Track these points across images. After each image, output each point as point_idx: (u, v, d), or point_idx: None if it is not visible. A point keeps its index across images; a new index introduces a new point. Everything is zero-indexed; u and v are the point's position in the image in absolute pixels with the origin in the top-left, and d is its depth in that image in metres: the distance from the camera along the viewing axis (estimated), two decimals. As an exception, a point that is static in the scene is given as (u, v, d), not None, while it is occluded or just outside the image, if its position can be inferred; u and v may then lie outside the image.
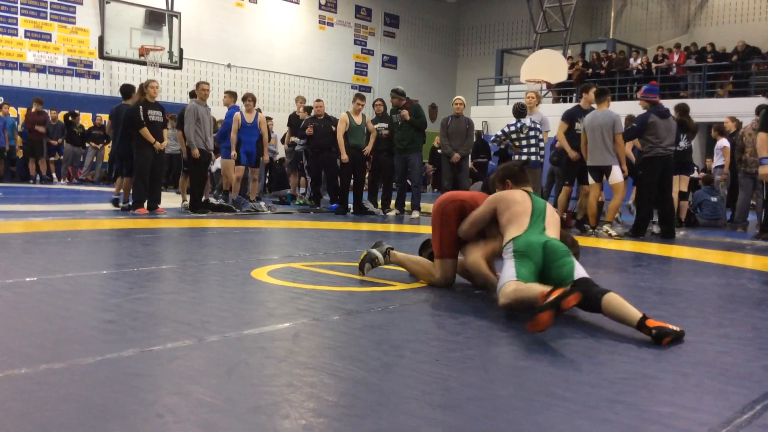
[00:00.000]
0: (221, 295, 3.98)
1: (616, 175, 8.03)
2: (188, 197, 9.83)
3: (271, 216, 9.65)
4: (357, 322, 3.43)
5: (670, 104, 8.93)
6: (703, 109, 14.39)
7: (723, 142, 10.58)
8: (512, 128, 8.69)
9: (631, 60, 20.15)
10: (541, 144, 8.84)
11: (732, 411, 2.29)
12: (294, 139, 11.89)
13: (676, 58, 19.20)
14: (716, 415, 2.25)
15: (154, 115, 9.30)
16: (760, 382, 2.63)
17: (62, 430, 1.97)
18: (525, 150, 8.64)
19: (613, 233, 7.92)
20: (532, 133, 8.69)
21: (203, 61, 19.82)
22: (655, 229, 8.38)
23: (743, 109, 11.17)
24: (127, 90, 10.06)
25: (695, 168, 11.01)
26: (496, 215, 4.08)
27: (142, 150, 9.19)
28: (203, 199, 9.87)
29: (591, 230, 8.29)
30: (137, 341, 2.91)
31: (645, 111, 8.14)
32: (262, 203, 10.53)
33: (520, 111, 8.81)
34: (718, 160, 10.83)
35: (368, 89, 23.48)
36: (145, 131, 9.13)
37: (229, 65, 20.35)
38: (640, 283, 4.95)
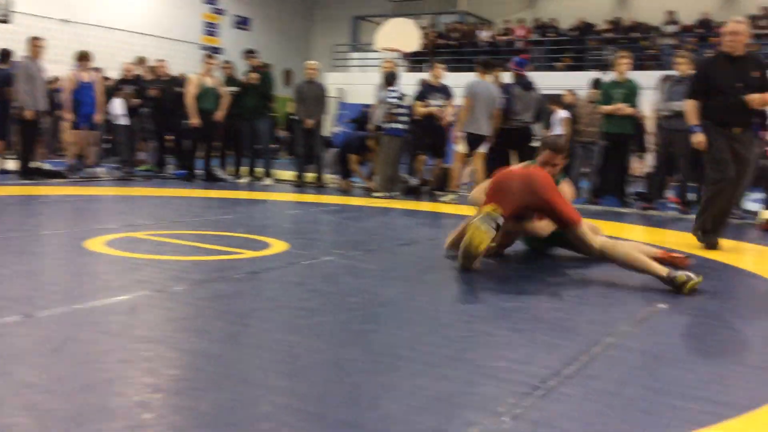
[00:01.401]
0: (51, 268, 3.70)
1: (483, 146, 8.30)
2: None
3: (110, 183, 9.10)
4: (201, 293, 3.31)
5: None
6: (543, 81, 15.18)
7: (562, 113, 11.24)
8: (394, 96, 8.64)
9: (480, 32, 20.85)
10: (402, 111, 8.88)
11: (561, 363, 2.44)
12: (137, 101, 11.26)
13: (520, 32, 20.11)
14: (546, 368, 2.39)
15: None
16: (586, 335, 2.83)
17: None
18: (401, 119, 8.64)
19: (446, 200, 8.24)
20: (403, 102, 8.74)
21: (37, 16, 18.21)
22: None
23: (579, 82, 11.89)
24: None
25: (534, 137, 11.62)
26: None
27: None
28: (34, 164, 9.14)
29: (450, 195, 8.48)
30: (-49, 320, 2.63)
31: (514, 82, 8.43)
32: (101, 169, 9.91)
33: (392, 79, 8.82)
34: (556, 130, 11.49)
35: (219, 51, 22.65)
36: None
37: (65, 20, 18.85)
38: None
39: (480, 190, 4.43)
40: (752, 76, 5.19)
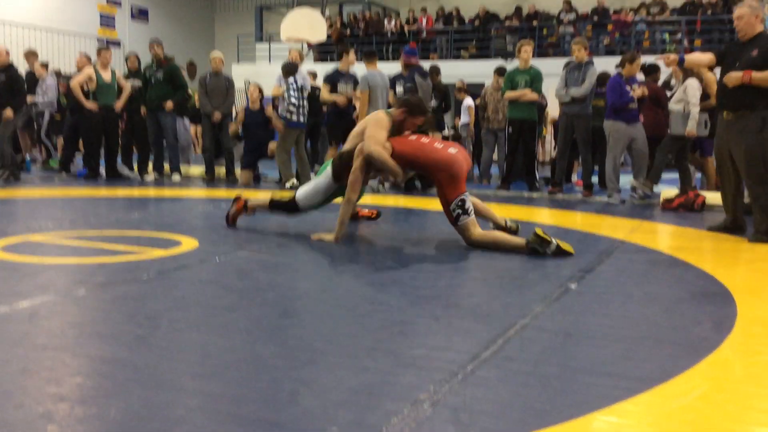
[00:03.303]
0: (-60, 277, 3.44)
1: None
2: None
3: (4, 184, 8.58)
4: (107, 296, 3.16)
5: (425, 66, 9.38)
6: (451, 70, 15.39)
7: (468, 101, 11.43)
8: (293, 88, 8.48)
9: (386, 22, 20.94)
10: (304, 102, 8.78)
11: (478, 347, 2.47)
12: (34, 98, 10.66)
13: (424, 21, 20.33)
14: (464, 353, 2.41)
15: None
16: (501, 319, 2.88)
17: None
18: (301, 110, 8.50)
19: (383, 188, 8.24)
20: (302, 93, 8.60)
21: None
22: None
23: (484, 71, 12.14)
24: None
25: (445, 126, 11.79)
26: None
27: None
28: None
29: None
30: None
31: (408, 72, 8.45)
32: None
33: (291, 69, 8.66)
34: (464, 118, 11.69)
35: (117, 43, 21.76)
36: None
37: (-55, 12, 17.62)
38: (398, 234, 5.18)
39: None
40: (750, 56, 4.99)
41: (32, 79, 10.87)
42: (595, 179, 8.40)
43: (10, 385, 2.03)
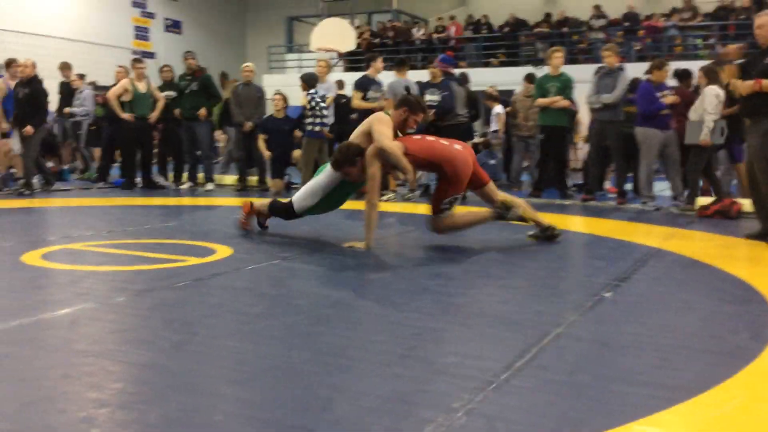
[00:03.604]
0: (-16, 284, 3.54)
1: None
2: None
3: (45, 194, 8.78)
4: (145, 302, 3.22)
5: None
6: (480, 78, 15.37)
7: (497, 109, 11.41)
8: (317, 99, 8.54)
9: (414, 31, 21.00)
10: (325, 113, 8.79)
11: (511, 356, 2.47)
12: (73, 109, 10.90)
13: (453, 30, 20.34)
14: (497, 361, 2.41)
15: None
16: (535, 327, 2.87)
17: None
18: (320, 120, 8.55)
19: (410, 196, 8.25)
20: (324, 103, 8.67)
21: (-46, 22, 17.45)
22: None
23: (514, 78, 12.09)
24: None
25: (475, 133, 11.76)
26: None
27: None
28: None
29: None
30: None
31: (444, 80, 8.46)
32: (35, 180, 9.54)
33: (311, 80, 8.73)
34: (493, 125, 11.66)
35: (151, 55, 22.14)
36: None
37: (-12, 28, 18.12)
38: (428, 242, 5.18)
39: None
40: (765, 63, 5.05)
41: (68, 90, 11.12)
42: (629, 186, 8.30)
43: (52, 390, 2.08)
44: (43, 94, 8.82)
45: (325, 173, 4.97)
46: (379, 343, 2.65)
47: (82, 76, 11.33)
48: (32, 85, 8.66)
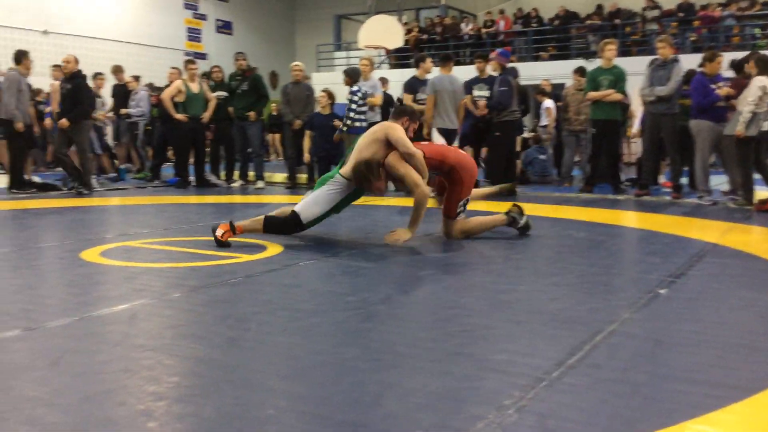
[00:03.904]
0: (47, 281, 3.68)
1: (456, 139, 8.31)
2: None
3: (103, 193, 9.05)
4: (200, 298, 3.30)
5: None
6: (530, 72, 15.18)
7: (547, 103, 11.25)
8: (358, 96, 8.58)
9: (463, 26, 20.85)
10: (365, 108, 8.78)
11: (563, 353, 2.44)
12: (129, 110, 11.21)
13: (502, 24, 20.13)
14: (549, 359, 2.38)
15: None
16: (587, 324, 2.83)
17: None
18: (362, 116, 8.58)
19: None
20: (365, 100, 8.68)
21: (16, 28, 18.09)
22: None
23: (565, 71, 11.90)
24: None
25: (525, 128, 11.64)
26: None
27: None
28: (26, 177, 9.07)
29: None
30: (-53, 338, 2.61)
31: (501, 74, 8.39)
32: (94, 179, 9.84)
33: (355, 76, 8.76)
34: (543, 120, 11.51)
35: (203, 56, 22.56)
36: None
37: (45, 32, 18.73)
38: (478, 238, 5.16)
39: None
40: None
41: (122, 92, 11.43)
42: (684, 180, 8.10)
43: (112, 383, 2.16)
44: (85, 89, 8.93)
45: (337, 185, 4.84)
46: (429, 339, 2.65)
47: (137, 78, 11.63)
48: (75, 80, 8.81)
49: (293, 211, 4.88)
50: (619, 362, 2.37)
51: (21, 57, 8.85)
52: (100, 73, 11.37)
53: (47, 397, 2.04)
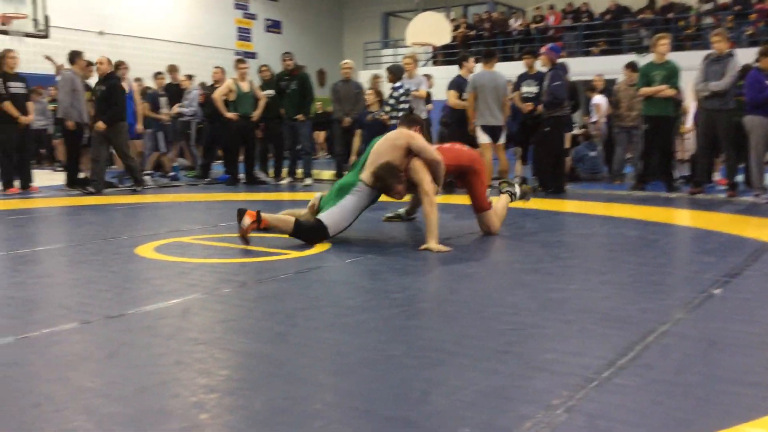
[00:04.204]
0: (103, 275, 3.78)
1: (503, 136, 8.24)
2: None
3: (156, 190, 9.27)
4: (249, 294, 3.35)
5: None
6: (580, 67, 14.95)
7: (596, 99, 11.06)
8: (400, 92, 8.59)
9: (511, 21, 20.65)
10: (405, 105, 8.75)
11: (614, 353, 2.41)
12: (180, 109, 11.45)
13: (552, 19, 19.86)
14: (599, 358, 2.35)
15: (15, 87, 8.64)
16: (639, 324, 2.78)
17: (-77, 431, 1.81)
18: (397, 114, 8.56)
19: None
20: (409, 97, 8.66)
21: (72, 29, 18.63)
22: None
23: (616, 66, 11.68)
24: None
25: (575, 125, 11.47)
26: None
27: (5, 125, 8.53)
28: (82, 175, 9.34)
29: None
30: (11, 329, 2.71)
31: (552, 69, 8.29)
32: (147, 177, 10.09)
33: (398, 73, 8.76)
34: (593, 116, 11.32)
35: (253, 55, 22.86)
36: (8, 105, 8.48)
37: (101, 32, 19.25)
38: (526, 237, 5.11)
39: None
40: None
41: (176, 91, 11.67)
42: (740, 178, 7.87)
43: (166, 375, 2.21)
44: (118, 91, 8.94)
45: (361, 193, 4.72)
46: (476, 338, 2.64)
47: (190, 77, 11.86)
48: (108, 81, 8.88)
49: (319, 220, 4.68)
50: (672, 363, 2.33)
51: (75, 57, 9.12)
52: (159, 73, 11.63)
53: (103, 388, 2.10)
